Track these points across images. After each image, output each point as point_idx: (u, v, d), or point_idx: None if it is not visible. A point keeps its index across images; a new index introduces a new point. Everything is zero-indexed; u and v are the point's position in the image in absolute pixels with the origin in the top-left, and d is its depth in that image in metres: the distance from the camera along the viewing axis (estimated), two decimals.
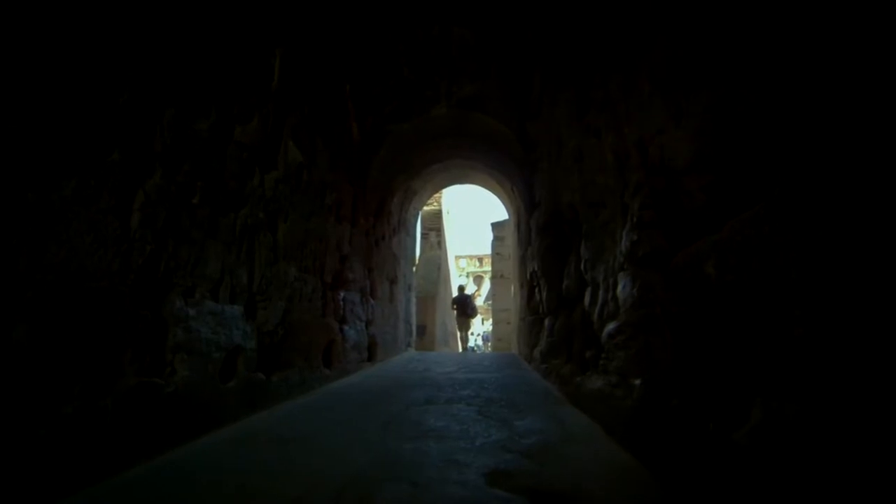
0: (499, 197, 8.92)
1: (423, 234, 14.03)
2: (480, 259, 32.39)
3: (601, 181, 2.56)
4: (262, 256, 3.16)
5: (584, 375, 2.77)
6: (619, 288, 2.15)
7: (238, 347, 2.84)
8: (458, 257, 22.29)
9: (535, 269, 4.98)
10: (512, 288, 8.65)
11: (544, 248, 4.58)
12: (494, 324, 14.36)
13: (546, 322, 4.64)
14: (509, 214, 9.01)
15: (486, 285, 30.76)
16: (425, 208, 13.87)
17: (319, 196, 4.15)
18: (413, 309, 9.06)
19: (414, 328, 9.04)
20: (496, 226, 13.89)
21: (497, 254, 13.87)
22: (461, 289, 13.86)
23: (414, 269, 9.70)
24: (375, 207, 5.87)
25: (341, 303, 4.72)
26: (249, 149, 3.00)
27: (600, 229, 2.58)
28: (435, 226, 14.02)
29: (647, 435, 1.78)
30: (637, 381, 1.85)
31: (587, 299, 2.74)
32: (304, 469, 1.81)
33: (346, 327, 4.82)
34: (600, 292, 2.51)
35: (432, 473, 1.70)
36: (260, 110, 3.13)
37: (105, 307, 1.88)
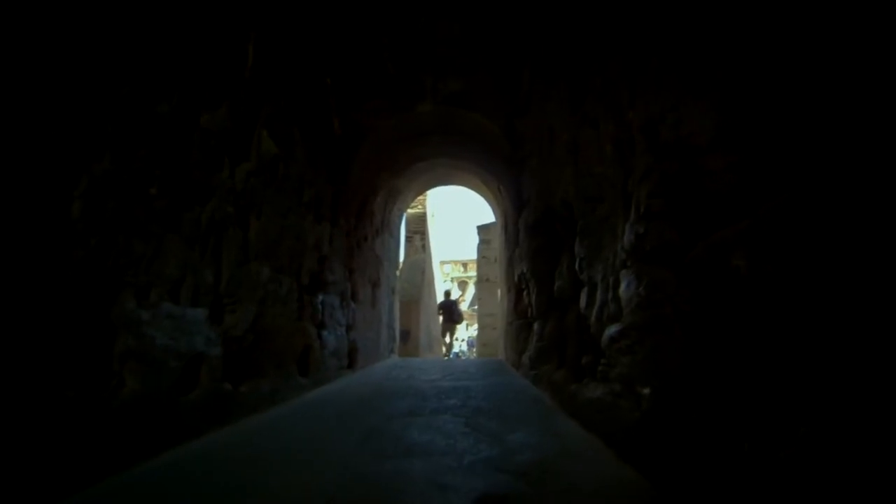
0: (485, 198, 8.75)
1: (407, 238, 13.80)
2: (465, 264, 32.33)
3: (599, 173, 2.38)
4: (231, 255, 2.91)
5: (581, 383, 2.57)
6: (622, 287, 1.96)
7: (200, 355, 2.58)
8: (442, 262, 22.07)
9: (524, 271, 4.79)
10: (498, 292, 8.47)
11: (534, 248, 4.40)
12: (480, 329, 14.16)
13: (535, 326, 4.45)
14: (496, 216, 8.84)
15: (471, 290, 30.68)
16: (409, 211, 13.65)
17: (297, 192, 3.91)
18: (396, 313, 8.81)
19: (397, 333, 8.79)
20: (482, 229, 13.72)
21: (483, 257, 13.69)
22: (447, 294, 13.64)
23: (397, 272, 9.46)
24: (357, 207, 5.64)
25: (320, 306, 4.46)
26: (218, 137, 2.75)
27: (598, 225, 2.39)
28: (419, 229, 13.80)
29: (658, 451, 1.58)
30: (645, 391, 1.65)
31: (583, 300, 2.55)
32: (265, 494, 1.58)
33: (324, 332, 4.56)
34: (598, 293, 2.32)
35: (415, 500, 1.48)
36: (231, 96, 2.89)
37: (34, 308, 1.62)
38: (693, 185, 1.42)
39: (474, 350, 19.81)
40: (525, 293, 5.04)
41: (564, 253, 3.32)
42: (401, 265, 12.39)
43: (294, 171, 3.83)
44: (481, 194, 8.72)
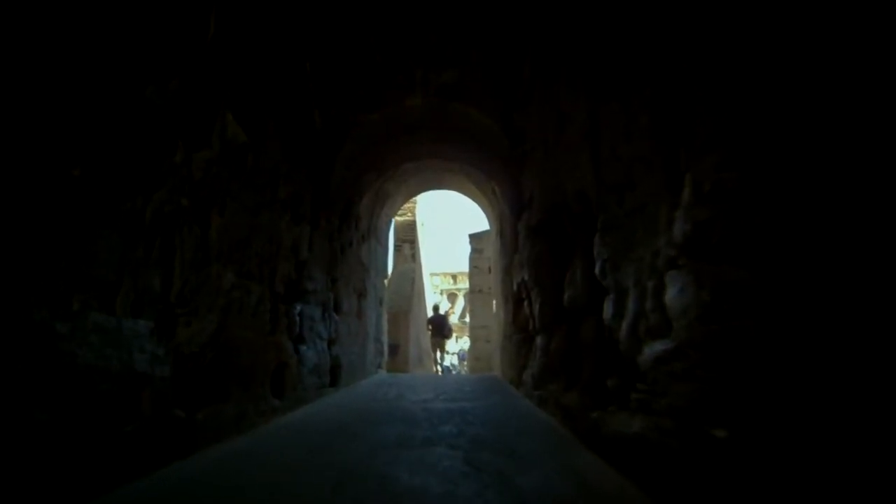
0: (478, 203, 8.36)
1: (396, 246, 13.37)
2: (455, 276, 32.12)
3: (628, 154, 1.99)
4: (187, 256, 2.46)
5: (605, 412, 2.15)
6: (671, 293, 1.55)
7: (142, 376, 2.12)
8: (432, 274, 21.62)
9: (525, 279, 4.39)
10: (493, 303, 8.05)
11: (536, 253, 3.99)
12: (472, 342, 13.70)
13: (538, 340, 4.03)
14: (490, 223, 8.45)
15: (461, 302, 30.32)
16: (398, 218, 13.24)
17: (270, 188, 3.47)
18: (384, 326, 8.35)
19: (385, 347, 8.31)
20: (474, 237, 13.32)
21: (475, 267, 13.28)
22: (436, 308, 13.21)
23: (386, 282, 9.01)
24: (341, 209, 5.20)
25: (297, 318, 4.01)
26: (168, 115, 2.32)
27: (627, 218, 2.00)
28: (409, 237, 13.38)
29: None
30: (720, 433, 1.24)
31: (608, 310, 2.14)
32: None
33: (302, 347, 4.10)
34: (630, 300, 1.91)
35: None
36: (186, 70, 2.46)
37: None
38: (794, 148, 1.02)
39: (465, 363, 19.31)
40: (525, 304, 4.63)
41: (577, 256, 2.92)
42: (389, 276, 11.95)
43: (267, 164, 3.40)
44: (474, 199, 8.34)
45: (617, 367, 2.08)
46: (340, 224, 5.24)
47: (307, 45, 4.04)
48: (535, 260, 4.00)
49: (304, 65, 4.10)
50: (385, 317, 8.56)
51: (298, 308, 4.06)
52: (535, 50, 3.79)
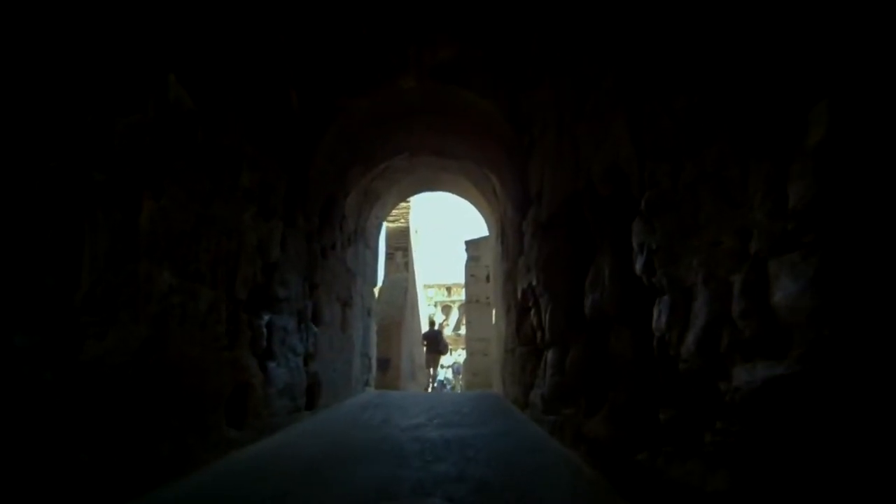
0: (477, 206, 7.85)
1: (388, 255, 12.80)
2: (449, 288, 31.83)
3: (687, 104, 1.47)
4: (100, 248, 1.91)
5: (660, 454, 1.60)
6: (783, 289, 1.02)
7: (17, 409, 1.56)
8: (426, 286, 21.03)
9: (531, 284, 3.86)
10: (493, 314, 7.51)
11: (547, 253, 3.47)
12: (469, 355, 13.09)
13: (549, 355, 3.49)
14: (489, 227, 7.93)
15: (455, 315, 29.81)
16: (390, 224, 12.70)
17: (229, 172, 2.94)
18: (373, 339, 7.77)
19: (374, 362, 7.73)
20: (471, 244, 12.78)
21: (472, 276, 12.72)
22: (431, 324, 12.66)
23: (376, 291, 8.45)
24: (322, 206, 4.67)
25: (264, 330, 3.45)
26: (72, 62, 1.79)
27: (688, 191, 1.47)
28: (402, 245, 12.81)
29: None
30: None
31: (661, 316, 1.61)
32: None
33: (271, 364, 3.54)
34: (699, 303, 1.38)
35: None
36: (103, 10, 1.94)
37: None
38: None
39: (461, 378, 18.68)
40: (532, 313, 4.10)
41: (602, 252, 2.40)
42: (380, 286, 11.39)
43: (225, 143, 2.86)
44: (472, 201, 7.83)
45: (674, 393, 1.54)
46: (321, 224, 4.69)
47: (281, 12, 3.53)
48: (545, 261, 3.48)
49: (276, 35, 3.58)
50: (374, 329, 7.99)
51: (266, 318, 3.50)
52: (546, 19, 3.30)
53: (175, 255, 2.37)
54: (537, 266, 3.65)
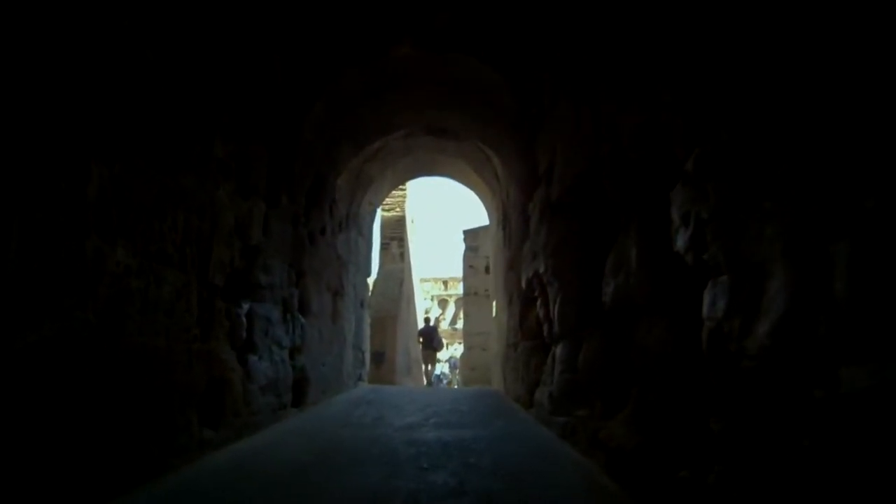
0: (476, 192, 7.55)
1: (382, 244, 12.49)
2: (445, 282, 31.78)
3: None
4: (31, 218, 1.61)
5: (720, 478, 1.32)
6: None
7: None
8: (422, 280, 20.71)
9: (539, 271, 3.57)
10: (493, 306, 7.23)
11: (557, 238, 3.18)
12: (466, 350, 12.83)
13: (558, 350, 3.22)
14: (489, 214, 7.64)
15: (451, 309, 29.66)
16: (385, 213, 12.39)
17: (200, 141, 2.62)
18: (366, 331, 7.49)
19: (367, 356, 7.45)
20: (469, 234, 12.48)
21: (470, 266, 12.42)
22: (427, 320, 12.39)
23: (370, 281, 8.16)
24: (310, 186, 4.36)
25: (244, 319, 3.15)
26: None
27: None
28: (397, 234, 12.49)
29: None
30: None
31: (717, 303, 1.32)
32: None
33: (252, 358, 3.25)
34: (775, 283, 1.09)
35: None
36: None
37: None
38: None
39: (457, 372, 18.46)
40: (538, 304, 3.82)
41: (628, 231, 2.11)
42: (375, 277, 11.09)
43: (195, 107, 2.55)
44: (472, 187, 7.53)
45: (732, 397, 1.26)
46: (309, 206, 4.39)
47: None
48: (555, 246, 3.19)
49: None
50: (367, 321, 7.70)
51: (246, 307, 3.20)
52: None
53: (133, 232, 2.06)
54: (545, 252, 3.36)
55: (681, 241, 1.54)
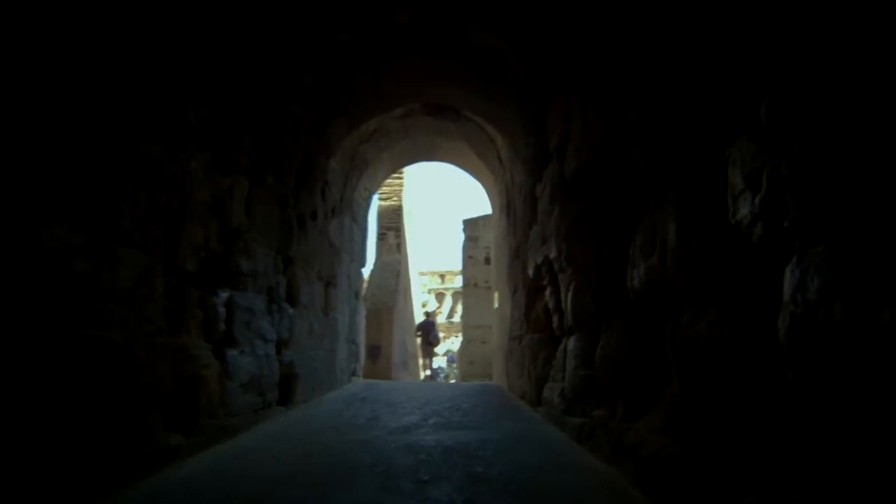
0: (476, 176, 7.25)
1: (379, 235, 12.18)
2: (442, 275, 31.77)
3: None
4: None
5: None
6: None
7: None
8: (420, 273, 20.44)
9: (550, 257, 3.27)
10: (495, 297, 6.94)
11: (573, 217, 2.89)
12: (465, 343, 12.56)
13: (571, 343, 2.94)
14: (491, 200, 7.33)
15: (448, 302, 29.57)
16: (382, 203, 12.08)
17: (169, 105, 2.31)
18: (361, 324, 7.20)
19: (362, 350, 7.17)
20: (469, 223, 12.16)
21: (469, 257, 12.12)
22: (426, 314, 12.14)
23: (365, 272, 7.85)
24: (299, 165, 4.04)
25: (221, 310, 2.86)
26: None
27: None
28: (394, 224, 12.18)
29: None
30: None
31: (807, 283, 1.02)
32: None
33: (231, 353, 2.95)
34: None
35: None
36: None
37: None
38: None
39: (455, 367, 18.23)
40: (547, 292, 3.53)
41: (663, 204, 1.81)
42: (370, 267, 10.79)
43: (158, 61, 2.23)
44: (472, 172, 7.22)
45: (835, 407, 0.96)
46: (298, 187, 4.08)
47: None
48: (570, 227, 2.90)
49: None
50: (362, 313, 7.41)
51: (225, 296, 2.91)
52: None
53: (77, 205, 1.76)
54: (557, 235, 3.06)
55: (745, 209, 1.25)
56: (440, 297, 30.47)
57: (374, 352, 9.29)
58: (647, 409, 2.08)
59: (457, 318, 25.65)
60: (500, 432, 2.90)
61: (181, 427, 2.43)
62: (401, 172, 11.36)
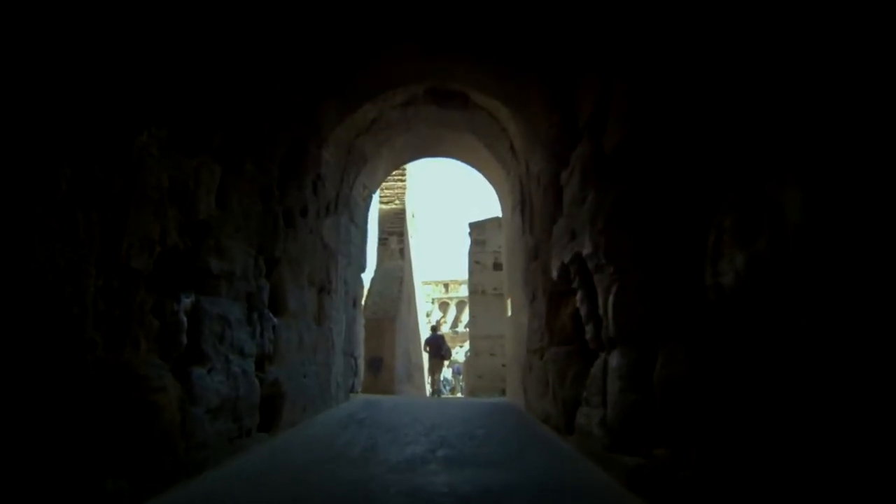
0: (484, 173, 6.75)
1: (380, 239, 11.70)
2: (446, 284, 31.54)
3: None
4: None
5: None
6: None
7: None
8: (423, 283, 19.98)
9: (583, 253, 2.76)
10: (508, 304, 6.42)
11: (614, 200, 2.39)
12: (473, 355, 12.02)
13: (614, 359, 2.42)
14: (502, 199, 6.82)
15: (452, 311, 29.17)
16: (383, 206, 11.61)
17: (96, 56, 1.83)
18: (360, 335, 6.69)
19: (360, 363, 6.65)
20: (475, 226, 11.66)
21: (476, 262, 11.59)
22: (434, 328, 11.66)
23: (363, 277, 7.34)
24: (286, 153, 3.56)
25: (183, 318, 2.36)
26: None
27: None
28: (396, 229, 11.69)
29: None
30: None
31: None
32: None
33: (198, 371, 2.45)
34: None
35: None
36: None
37: None
38: None
39: (461, 378, 17.67)
40: (578, 297, 3.02)
41: (771, 173, 1.31)
42: (371, 274, 10.32)
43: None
44: (480, 168, 6.74)
45: None
46: (285, 178, 3.59)
47: None
48: (610, 214, 2.40)
49: None
50: (362, 323, 6.91)
51: (187, 301, 2.41)
52: None
53: None
54: (593, 226, 2.56)
55: None
56: (444, 306, 30.08)
57: (376, 365, 8.78)
58: (737, 454, 1.57)
59: (461, 328, 25.19)
60: (527, 473, 2.37)
61: (123, 469, 1.92)
62: (403, 171, 10.92)
